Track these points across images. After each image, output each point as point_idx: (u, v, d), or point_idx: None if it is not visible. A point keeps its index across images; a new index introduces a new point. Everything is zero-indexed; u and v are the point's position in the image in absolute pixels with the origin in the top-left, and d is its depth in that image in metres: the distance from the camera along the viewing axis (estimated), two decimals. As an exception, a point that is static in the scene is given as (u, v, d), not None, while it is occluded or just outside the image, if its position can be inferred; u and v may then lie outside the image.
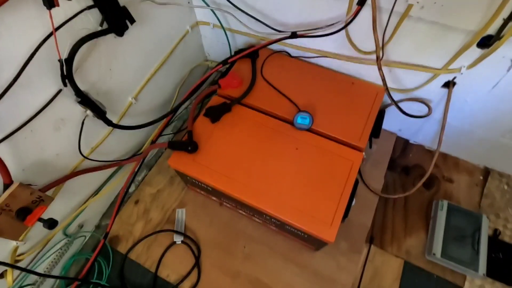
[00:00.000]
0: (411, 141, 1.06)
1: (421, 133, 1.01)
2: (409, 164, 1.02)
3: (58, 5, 0.52)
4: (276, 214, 0.70)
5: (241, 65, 0.93)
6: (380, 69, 0.69)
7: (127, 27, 0.72)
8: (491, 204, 0.92)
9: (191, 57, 1.11)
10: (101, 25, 0.66)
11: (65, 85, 0.62)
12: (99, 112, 0.72)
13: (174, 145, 0.78)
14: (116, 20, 0.68)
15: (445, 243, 0.83)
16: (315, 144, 0.79)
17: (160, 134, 0.98)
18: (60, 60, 0.58)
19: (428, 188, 0.97)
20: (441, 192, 0.96)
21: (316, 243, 0.79)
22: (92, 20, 0.65)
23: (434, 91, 0.83)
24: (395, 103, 0.76)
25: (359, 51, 0.82)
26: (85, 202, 0.85)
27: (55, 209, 0.76)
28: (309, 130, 0.80)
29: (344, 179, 0.74)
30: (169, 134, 1.10)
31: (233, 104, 0.84)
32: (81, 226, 0.88)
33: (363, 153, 0.77)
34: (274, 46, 0.96)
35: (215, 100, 0.87)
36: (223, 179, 0.75)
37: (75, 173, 0.76)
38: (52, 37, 0.57)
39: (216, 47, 1.12)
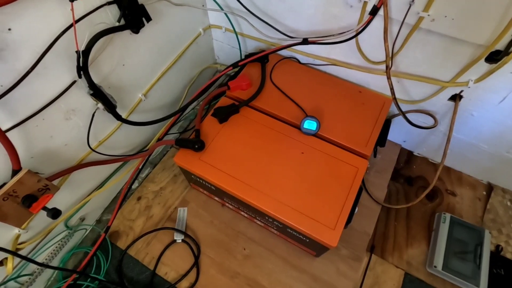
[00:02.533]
0: (415, 153, 1.06)
1: (425, 145, 1.01)
2: (412, 175, 1.02)
3: (80, -2, 0.54)
4: (279, 216, 0.70)
5: (251, 69, 0.94)
6: (389, 78, 0.70)
7: (143, 25, 0.74)
8: (494, 219, 0.92)
9: (202, 59, 1.12)
10: (118, 21, 0.68)
11: (80, 76, 0.64)
12: (110, 106, 0.73)
13: (181, 143, 0.78)
14: (134, 17, 0.70)
15: (447, 256, 0.83)
16: (320, 149, 0.79)
17: (166, 133, 0.99)
18: (77, 52, 0.60)
19: (431, 200, 0.97)
20: (443, 204, 0.96)
21: (317, 248, 0.78)
22: (110, 16, 0.67)
23: (440, 103, 0.84)
24: (402, 113, 0.77)
25: (368, 60, 0.84)
26: (88, 195, 0.86)
27: (59, 200, 0.76)
28: (316, 135, 0.81)
29: (349, 185, 0.74)
30: (175, 133, 1.11)
31: (241, 106, 0.85)
32: (82, 219, 0.88)
33: (368, 161, 0.78)
34: (284, 52, 0.98)
35: (223, 101, 0.88)
36: (228, 179, 0.75)
37: (81, 165, 0.76)
38: (71, 29, 0.58)
39: (226, 50, 1.14)
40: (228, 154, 0.79)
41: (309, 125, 0.80)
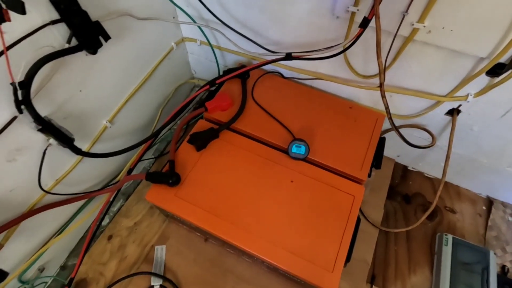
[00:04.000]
0: (410, 168, 1.00)
1: (421, 159, 0.95)
2: (409, 192, 0.96)
3: (9, 20, 0.43)
4: (269, 259, 0.61)
5: (231, 85, 0.85)
6: (383, 97, 0.63)
7: (100, 44, 0.63)
8: (497, 237, 0.87)
9: (176, 74, 1.02)
10: (68, 42, 0.57)
11: (20, 112, 0.53)
12: (65, 140, 0.62)
13: (153, 177, 0.68)
14: (87, 37, 0.59)
15: (453, 283, 0.76)
16: (312, 176, 0.71)
17: (139, 160, 0.88)
18: (13, 84, 0.49)
19: (431, 219, 0.91)
20: (444, 223, 0.90)
21: (314, 290, 0.70)
22: (58, 36, 0.56)
23: (437, 118, 0.78)
24: (399, 133, 0.70)
25: (358, 75, 0.76)
26: (48, 241, 0.74)
27: (9, 253, 0.64)
28: (305, 159, 0.73)
29: (345, 216, 0.66)
30: (150, 158, 1.00)
31: (221, 129, 0.76)
32: (41, 270, 0.76)
33: (364, 187, 0.70)
34: (266, 66, 0.89)
35: (200, 125, 0.78)
36: (208, 218, 0.65)
37: (34, 211, 0.65)
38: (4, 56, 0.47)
39: (203, 64, 1.05)
40: (208, 187, 0.69)
41: (297, 149, 0.72)
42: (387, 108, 0.64)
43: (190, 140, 0.75)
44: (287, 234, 0.64)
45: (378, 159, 0.76)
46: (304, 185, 0.70)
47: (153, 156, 1.01)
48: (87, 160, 0.75)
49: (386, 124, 0.80)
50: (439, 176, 0.96)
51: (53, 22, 0.53)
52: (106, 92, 0.75)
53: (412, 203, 0.94)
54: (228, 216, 0.65)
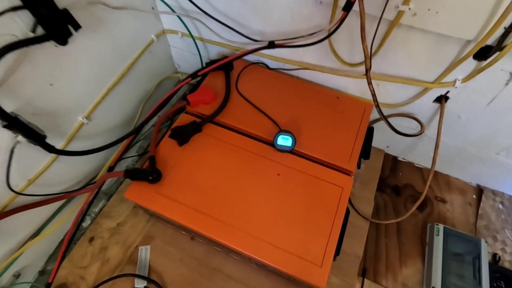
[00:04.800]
0: (399, 158, 0.99)
1: (410, 149, 0.94)
2: (399, 184, 0.94)
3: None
4: (256, 256, 0.59)
5: (214, 78, 0.82)
6: (370, 83, 0.61)
7: (70, 34, 0.59)
8: (487, 226, 0.86)
9: (158, 69, 0.99)
10: (33, 30, 0.53)
11: (-21, 106, 0.49)
12: (35, 137, 0.59)
13: (132, 174, 0.65)
14: (54, 26, 0.55)
15: (445, 274, 0.75)
16: (299, 169, 0.68)
17: (120, 158, 0.84)
18: (-32, 75, 0.45)
19: (421, 210, 0.89)
20: (434, 213, 0.89)
21: (304, 286, 0.67)
22: (21, 25, 0.52)
23: (425, 106, 0.77)
24: (387, 122, 0.68)
25: (344, 63, 0.74)
26: (23, 245, 0.70)
27: (-22, 260, 0.60)
28: (292, 152, 0.71)
29: (334, 209, 0.64)
30: (133, 156, 0.96)
31: (204, 123, 0.73)
32: (17, 276, 0.72)
33: (353, 178, 0.68)
34: (251, 57, 0.87)
35: (183, 119, 0.75)
36: (192, 214, 0.62)
37: (4, 214, 0.60)
38: (-43, 45, 0.43)
39: (187, 57, 1.01)
40: (191, 183, 0.66)
41: (284, 141, 0.69)
42: (373, 95, 0.62)
43: (171, 134, 0.72)
44: (275, 229, 0.61)
45: (366, 150, 0.74)
46: (291, 178, 0.67)
47: (136, 154, 0.97)
48: (64, 159, 0.71)
49: (375, 114, 0.79)
50: (429, 165, 0.95)
51: (14, 9, 0.49)
52: (81, 87, 0.71)
53: (402, 195, 0.92)
54: (212, 212, 0.62)
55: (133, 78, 0.87)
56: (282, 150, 0.70)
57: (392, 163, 0.98)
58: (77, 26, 0.60)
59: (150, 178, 0.64)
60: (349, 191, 0.66)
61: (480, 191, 0.92)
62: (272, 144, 0.70)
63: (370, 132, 0.76)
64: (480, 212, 0.88)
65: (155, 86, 0.98)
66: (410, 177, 0.95)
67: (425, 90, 0.71)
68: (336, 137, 0.73)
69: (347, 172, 0.69)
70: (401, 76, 0.71)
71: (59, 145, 0.70)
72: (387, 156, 0.99)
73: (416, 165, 0.97)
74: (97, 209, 0.88)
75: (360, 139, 0.73)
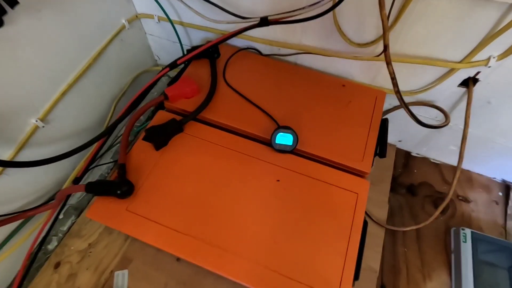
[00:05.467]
0: (413, 154, 0.87)
1: (425, 143, 0.83)
2: (414, 182, 0.83)
3: None
4: (253, 286, 0.46)
5: (197, 67, 0.69)
6: (389, 63, 0.48)
7: (4, 11, 0.46)
8: (519, 227, 0.75)
9: (134, 61, 0.85)
10: None
11: None
12: (-36, 147, 0.45)
13: (95, 188, 0.52)
14: (-24, -2, 0.42)
15: (477, 286, 0.64)
16: (302, 172, 0.56)
17: (89, 167, 0.71)
18: None
19: (442, 212, 0.78)
20: (457, 215, 0.78)
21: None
22: None
23: (447, 91, 0.65)
24: (410, 113, 0.55)
25: (351, 43, 0.62)
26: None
27: None
28: (293, 152, 0.58)
29: (348, 221, 0.52)
30: (109, 162, 0.83)
31: (186, 121, 0.60)
32: (-40, 318, 0.59)
33: (368, 181, 0.56)
34: (240, 42, 0.74)
35: (160, 117, 0.62)
36: (172, 236, 0.50)
37: None
38: None
39: (167, 47, 0.88)
40: (171, 196, 0.53)
41: (283, 139, 0.57)
42: (394, 78, 0.50)
43: (146, 136, 0.59)
44: (275, 250, 0.49)
45: (382, 146, 0.62)
46: (294, 184, 0.55)
47: (111, 160, 0.84)
48: (15, 171, 0.58)
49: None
50: (448, 161, 0.84)
51: None
52: (31, 82, 0.57)
53: (418, 195, 0.81)
54: (197, 232, 0.50)
55: (102, 71, 0.73)
56: (282, 150, 0.58)
57: (404, 159, 0.87)
58: (13, 2, 0.46)
59: (119, 192, 0.51)
60: (366, 197, 0.54)
61: (506, 187, 0.81)
62: (269, 143, 0.58)
63: (384, 124, 0.65)
64: (509, 212, 0.77)
65: (130, 81, 0.85)
66: (426, 174, 0.84)
67: (450, 72, 0.60)
68: (344, 133, 0.61)
69: (361, 174, 0.57)
70: (420, 56, 0.60)
71: (6, 155, 0.56)
72: (398, 151, 0.87)
73: (432, 160, 0.86)
74: (65, 228, 0.74)
75: (373, 133, 0.61)
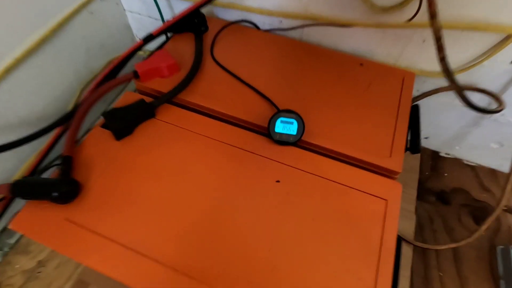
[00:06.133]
0: (442, 154, 0.73)
1: (458, 141, 0.68)
2: (446, 188, 0.68)
3: None
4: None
5: (180, 43, 0.56)
6: (437, 31, 0.34)
7: None
8: None
9: (111, 42, 0.72)
10: None
11: None
12: None
13: (23, 190, 0.37)
14: None
15: (541, 328, 0.48)
16: (310, 170, 0.42)
17: (40, 162, 0.56)
18: None
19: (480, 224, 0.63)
20: (503, 230, 0.62)
21: None
22: None
23: (496, 71, 0.51)
24: (462, 96, 0.40)
25: (373, 6, 0.48)
26: None
27: None
28: (297, 144, 0.44)
29: (376, 237, 0.37)
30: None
31: (159, 103, 0.46)
32: None
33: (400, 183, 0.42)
34: (233, 14, 0.61)
35: (127, 99, 0.48)
36: (129, 260, 0.35)
37: None
38: None
39: (148, 26, 0.76)
40: (131, 202, 0.39)
41: (285, 126, 0.43)
42: (439, 39, 0.35)
43: (105, 123, 0.45)
44: (275, 280, 0.34)
45: (414, 138, 0.48)
46: (299, 186, 0.40)
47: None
48: None
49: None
50: (485, 163, 0.69)
51: None
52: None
53: (452, 203, 0.66)
54: (166, 254, 0.35)
55: (65, 48, 0.60)
56: (283, 141, 0.43)
57: (432, 161, 0.72)
58: None
59: (55, 194, 0.36)
60: (399, 205, 0.39)
61: (561, 195, 0.66)
62: (267, 132, 0.43)
63: (416, 111, 0.50)
64: None
65: (105, 64, 0.71)
66: (459, 178, 0.69)
67: (505, 40, 0.45)
68: (365, 121, 0.47)
69: (389, 175, 0.43)
70: (465, 21, 0.46)
71: None
72: (424, 151, 0.73)
73: (465, 162, 0.71)
74: (13, 241, 0.60)
75: (403, 122, 0.47)
